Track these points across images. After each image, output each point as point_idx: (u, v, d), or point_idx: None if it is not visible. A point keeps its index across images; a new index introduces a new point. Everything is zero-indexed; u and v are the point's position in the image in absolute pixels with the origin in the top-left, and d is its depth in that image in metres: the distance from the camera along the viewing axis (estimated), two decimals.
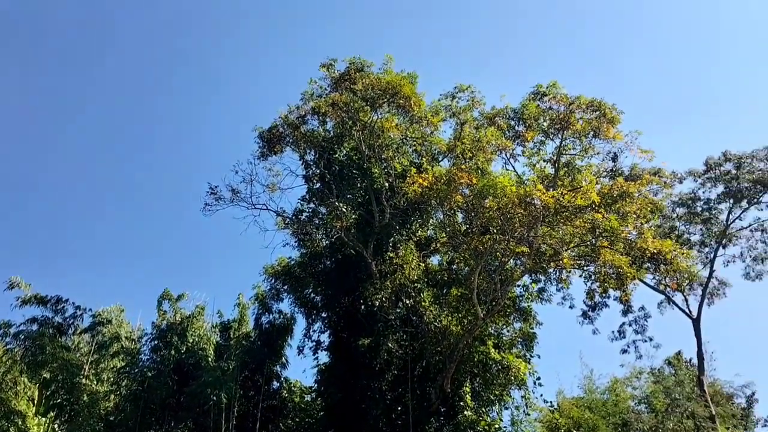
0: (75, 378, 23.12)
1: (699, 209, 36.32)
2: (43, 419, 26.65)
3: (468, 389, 23.68)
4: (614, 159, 29.82)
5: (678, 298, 34.41)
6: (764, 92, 74.76)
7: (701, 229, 36.32)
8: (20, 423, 24.69)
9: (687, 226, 36.50)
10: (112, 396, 26.35)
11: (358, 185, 26.80)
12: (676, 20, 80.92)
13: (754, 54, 77.03)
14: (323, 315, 28.70)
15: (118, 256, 74.58)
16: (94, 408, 23.43)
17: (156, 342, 27.99)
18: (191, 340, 28.33)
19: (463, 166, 23.84)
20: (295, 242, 28.56)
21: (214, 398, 23.41)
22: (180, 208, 78.96)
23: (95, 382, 26.33)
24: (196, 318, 29.75)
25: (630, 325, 35.54)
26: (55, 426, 25.60)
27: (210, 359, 27.77)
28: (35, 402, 26.95)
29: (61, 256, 72.05)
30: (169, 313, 29.65)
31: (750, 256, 35.58)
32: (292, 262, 29.04)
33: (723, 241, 35.47)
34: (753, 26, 76.75)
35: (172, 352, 27.44)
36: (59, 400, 23.13)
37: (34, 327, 23.61)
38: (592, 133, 27.25)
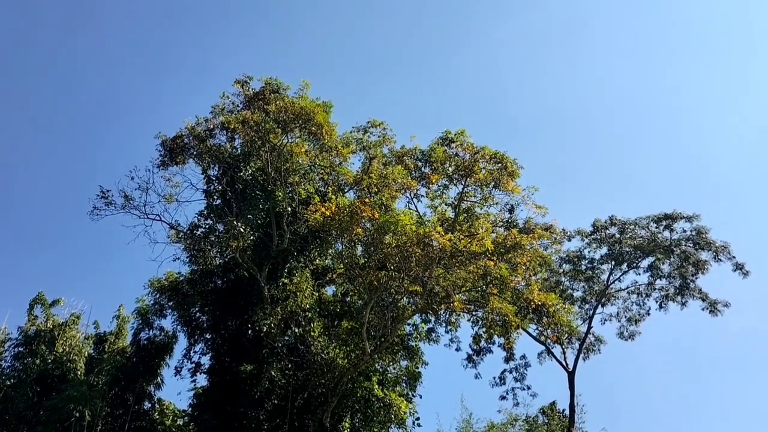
0: None
1: (583, 267, 38.33)
2: None
3: (347, 425, 23.53)
4: (511, 210, 31.09)
5: (557, 350, 35.92)
6: (654, 159, 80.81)
7: (584, 286, 38.26)
8: None
9: (571, 282, 38.37)
10: None
11: (260, 206, 26.34)
12: (583, 82, 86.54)
13: (657, 121, 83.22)
14: (207, 336, 27.69)
15: None
16: None
17: (20, 349, 26.01)
18: (60, 350, 26.56)
19: (367, 200, 24.03)
20: (187, 258, 27.53)
21: (77, 414, 21.85)
22: (67, 208, 74.27)
23: None
24: (70, 327, 27.98)
25: (511, 372, 36.62)
26: None
27: (79, 372, 26.09)
28: None
29: None
30: (41, 319, 27.69)
31: (625, 317, 37.77)
32: (181, 278, 27.95)
33: (602, 300, 37.50)
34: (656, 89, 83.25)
35: (38, 361, 25.57)
36: None
37: None
38: (493, 183, 28.36)
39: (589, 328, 36.70)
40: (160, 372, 27.72)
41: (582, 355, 35.86)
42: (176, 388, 39.91)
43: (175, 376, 26.86)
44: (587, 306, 37.73)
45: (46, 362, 25.48)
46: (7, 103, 71.28)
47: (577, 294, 38.06)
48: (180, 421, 29.29)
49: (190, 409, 27.00)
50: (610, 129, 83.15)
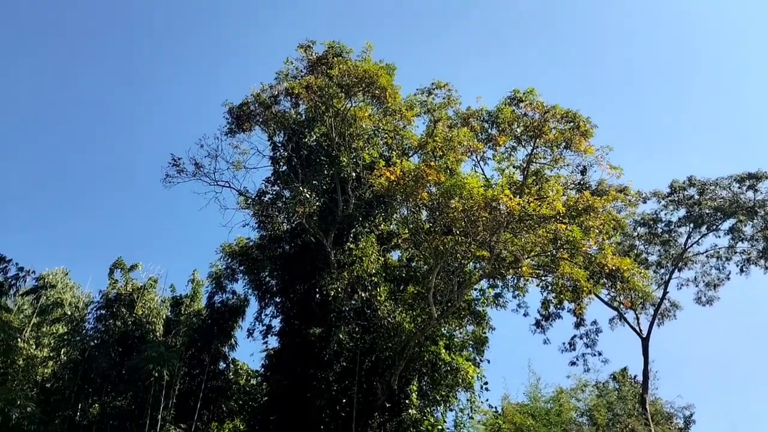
0: (12, 340, 22.27)
1: (659, 231, 36.85)
2: None
3: (415, 387, 23.58)
4: (583, 172, 29.98)
5: (630, 315, 34.92)
6: (738, 120, 76.41)
7: (659, 251, 36.86)
8: None
9: (646, 246, 37.01)
10: (51, 363, 25.54)
11: (325, 172, 26.38)
12: (660, 39, 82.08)
13: (732, 81, 78.61)
14: (277, 300, 28.30)
15: (70, 218, 72.79)
16: (30, 373, 22.63)
17: (103, 311, 27.27)
18: (140, 312, 27.71)
19: (432, 164, 23.60)
20: (256, 224, 28.02)
21: (156, 374, 22.83)
22: (140, 178, 77.25)
23: (34, 347, 25.48)
24: (148, 290, 29.12)
25: (581, 338, 35.95)
26: None
27: (157, 333, 27.17)
28: None
29: (7, 215, 69.99)
30: (121, 283, 28.93)
31: (703, 282, 36.27)
32: (251, 244, 28.53)
33: (679, 264, 36.07)
34: (733, 50, 78.24)
35: (119, 322, 26.77)
36: None
37: None
38: (564, 144, 27.27)
39: (665, 293, 35.46)
40: (234, 334, 28.59)
41: (656, 321, 34.73)
42: (249, 350, 41.38)
43: (248, 337, 27.70)
44: (663, 271, 36.41)
45: (126, 324, 26.66)
46: (82, 75, 74.12)
47: (652, 258, 36.73)
48: (253, 381, 30.30)
49: (262, 369, 27.82)
50: (691, 85, 78.79)
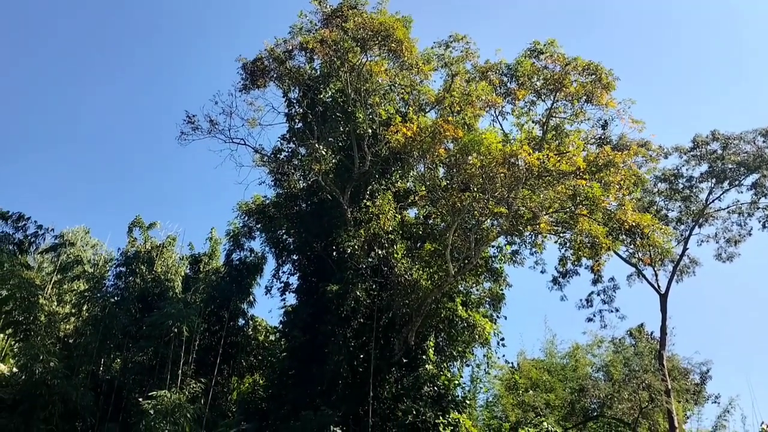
0: (34, 297, 22.62)
1: (680, 186, 36.20)
2: (0, 336, 26.32)
3: (432, 344, 23.72)
4: (604, 126, 29.32)
5: (648, 272, 34.62)
6: (764, 73, 74.33)
7: (680, 206, 36.29)
8: None
9: (666, 202, 36.44)
10: (72, 319, 25.99)
11: (341, 129, 26.04)
12: None
13: (758, 34, 76.19)
14: (294, 257, 28.43)
15: (89, 179, 73.34)
16: (52, 329, 23.05)
17: (122, 269, 27.56)
18: (159, 270, 27.97)
19: (449, 119, 23.19)
20: (272, 181, 27.97)
21: (176, 330, 23.14)
22: (157, 135, 77.30)
23: (55, 304, 25.90)
24: (167, 248, 29.34)
25: (598, 294, 35.78)
26: (11, 343, 25.26)
27: (176, 290, 27.46)
28: None
29: (26, 173, 70.63)
30: (139, 241, 29.15)
31: (724, 238, 35.72)
32: (267, 201, 28.50)
33: (699, 220, 35.53)
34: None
35: (138, 280, 27.07)
36: (16, 318, 22.66)
37: None
38: (585, 97, 26.60)
39: (685, 249, 35.04)
40: (252, 291, 28.84)
41: (675, 278, 34.40)
42: (267, 306, 41.91)
43: (266, 294, 27.95)
44: (683, 227, 35.88)
45: (146, 281, 26.95)
46: (96, 35, 73.53)
47: (672, 214, 36.19)
48: (272, 337, 30.72)
49: (280, 325, 28.18)
50: (716, 37, 76.46)
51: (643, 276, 34.55)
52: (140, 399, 21.28)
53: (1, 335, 26.42)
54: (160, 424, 19.44)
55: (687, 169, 36.26)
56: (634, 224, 21.69)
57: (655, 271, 34.31)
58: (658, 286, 33.94)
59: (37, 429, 20.80)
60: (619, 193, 22.37)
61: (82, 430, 22.98)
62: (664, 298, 33.48)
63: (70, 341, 24.66)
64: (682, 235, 35.61)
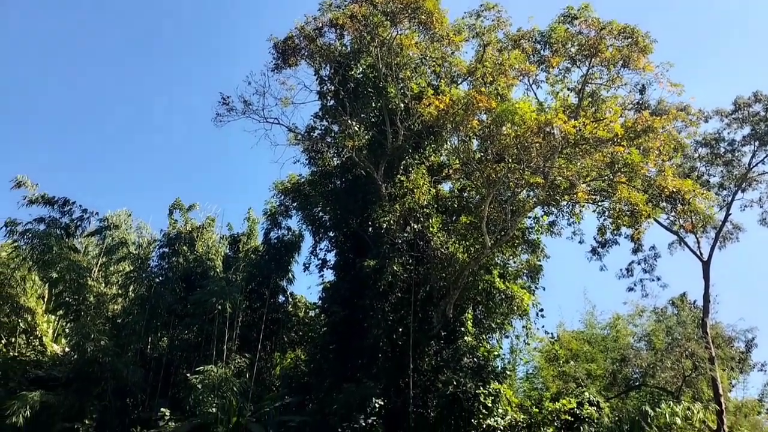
0: (82, 279, 23.41)
1: (722, 150, 35.30)
2: (53, 317, 27.34)
3: (470, 316, 23.79)
4: (642, 91, 28.61)
5: (690, 239, 33.99)
6: None
7: (722, 171, 35.43)
8: (29, 319, 25.28)
9: (707, 167, 35.60)
10: (120, 299, 26.84)
11: (373, 105, 26.02)
12: None
13: None
14: (330, 234, 28.70)
15: (129, 160, 74.84)
16: (101, 309, 23.87)
17: (165, 249, 28.23)
18: (200, 250, 28.57)
19: (482, 90, 22.94)
20: (306, 159, 28.18)
21: (219, 307, 23.71)
22: (193, 117, 78.26)
23: (103, 285, 26.77)
24: (206, 229, 29.92)
25: (639, 263, 35.35)
26: (63, 324, 26.25)
27: (218, 270, 28.02)
28: (45, 300, 27.57)
29: (69, 158, 72.42)
30: (180, 223, 29.79)
31: None
32: (302, 180, 28.77)
33: (742, 185, 34.65)
34: None
35: (181, 260, 27.74)
36: (66, 300, 23.55)
37: (41, 227, 23.66)
38: (621, 62, 25.93)
39: (727, 215, 34.29)
40: (290, 268, 29.25)
41: (718, 244, 33.71)
42: (306, 283, 42.51)
43: (304, 271, 28.37)
44: (725, 192, 35.08)
45: (188, 261, 27.60)
46: (130, 15, 74.49)
47: (714, 180, 35.39)
48: (311, 313, 31.20)
49: (320, 301, 28.59)
50: None
51: (685, 243, 33.96)
52: (188, 375, 21.96)
53: (54, 317, 27.45)
54: (208, 397, 20.07)
55: (728, 133, 35.34)
56: (674, 190, 21.25)
57: (697, 238, 33.68)
58: (701, 254, 33.33)
59: (91, 405, 21.67)
60: (659, 159, 21.90)
61: (134, 405, 23.84)
62: (706, 265, 32.89)
63: (119, 321, 25.48)
64: (724, 200, 34.84)
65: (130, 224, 31.88)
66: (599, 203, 24.02)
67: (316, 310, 30.21)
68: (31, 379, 23.42)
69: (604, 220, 26.34)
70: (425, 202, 24.41)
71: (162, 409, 20.96)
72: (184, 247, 27.91)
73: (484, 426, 18.84)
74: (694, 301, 36.33)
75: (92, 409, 21.54)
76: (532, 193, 23.62)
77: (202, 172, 75.72)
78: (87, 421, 20.96)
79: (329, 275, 28.38)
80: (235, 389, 20.50)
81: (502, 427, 18.81)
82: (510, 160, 21.81)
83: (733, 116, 34.92)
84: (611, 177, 21.37)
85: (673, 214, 26.82)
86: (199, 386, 20.17)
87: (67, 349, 25.61)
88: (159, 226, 30.84)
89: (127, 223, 31.27)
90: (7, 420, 19.87)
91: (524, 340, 26.54)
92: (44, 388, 21.88)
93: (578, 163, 21.30)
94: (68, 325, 24.02)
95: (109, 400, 22.32)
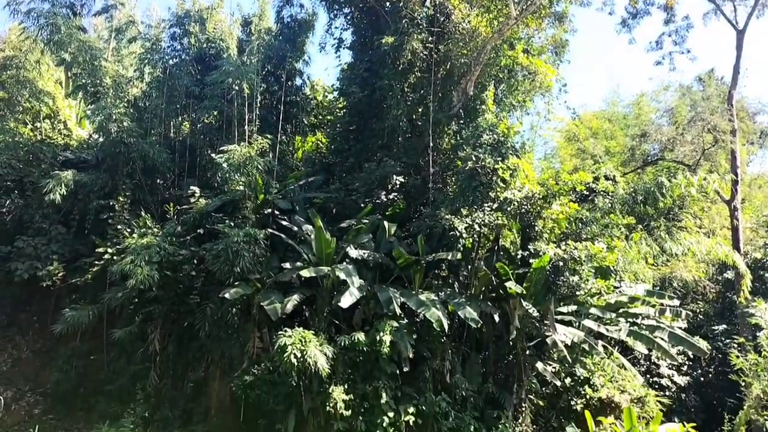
0: (96, 60, 22.88)
1: None
2: (73, 102, 27.39)
3: (491, 93, 23.42)
4: None
5: (727, 7, 31.83)
6: None
7: None
8: (51, 103, 25.33)
9: None
10: (137, 82, 26.53)
11: None
12: None
13: None
14: (346, 10, 27.43)
15: None
16: (120, 92, 23.67)
17: (176, 29, 27.15)
18: (211, 31, 27.50)
19: None
20: None
21: (237, 87, 23.38)
22: None
23: (119, 67, 26.38)
24: (215, 9, 28.49)
25: (669, 35, 33.59)
26: (85, 108, 26.33)
27: (231, 52, 27.22)
28: (63, 85, 27.39)
29: None
30: (188, 3, 28.33)
31: None
32: None
33: None
34: None
35: (193, 41, 26.86)
36: (83, 82, 23.28)
37: (46, 6, 22.56)
38: None
39: None
40: (306, 49, 28.25)
41: (756, 12, 31.58)
42: (323, 65, 41.52)
43: (320, 51, 27.58)
44: None
45: (200, 42, 26.72)
46: None
47: None
48: (330, 96, 30.94)
49: (338, 83, 28.21)
50: None
51: (721, 12, 31.89)
52: (213, 155, 22.39)
53: (74, 102, 27.49)
54: (234, 175, 20.64)
55: None
56: None
57: (734, 5, 31.57)
58: (736, 22, 31.44)
59: (123, 183, 22.52)
60: None
61: (163, 185, 24.79)
62: (741, 34, 31.16)
63: (139, 104, 25.46)
64: None
65: (135, 2, 30.34)
66: None
67: (335, 92, 29.95)
68: (61, 161, 24.13)
69: None
70: None
71: (192, 188, 21.71)
72: (195, 27, 26.83)
73: (501, 199, 19.47)
74: (722, 78, 35.20)
75: (124, 187, 22.37)
76: None
77: None
78: (121, 198, 21.88)
79: (346, 56, 27.63)
80: (259, 167, 21.00)
81: (519, 200, 19.42)
82: None
83: None
84: None
85: None
86: (225, 165, 20.66)
87: (92, 132, 26.00)
88: (167, 4, 29.38)
89: (132, 2, 29.80)
90: (46, 197, 20.82)
91: (545, 117, 26.47)
92: (75, 169, 22.61)
93: None
94: (90, 107, 24.01)
95: (140, 178, 23.13)
